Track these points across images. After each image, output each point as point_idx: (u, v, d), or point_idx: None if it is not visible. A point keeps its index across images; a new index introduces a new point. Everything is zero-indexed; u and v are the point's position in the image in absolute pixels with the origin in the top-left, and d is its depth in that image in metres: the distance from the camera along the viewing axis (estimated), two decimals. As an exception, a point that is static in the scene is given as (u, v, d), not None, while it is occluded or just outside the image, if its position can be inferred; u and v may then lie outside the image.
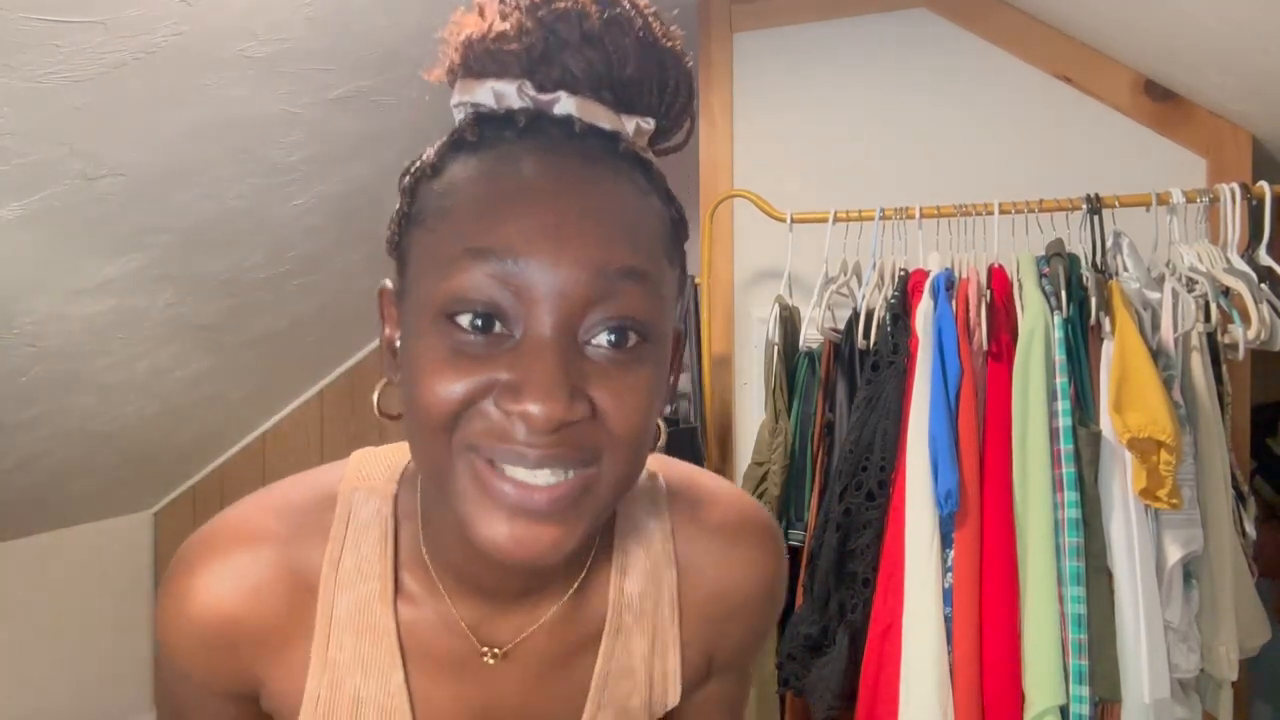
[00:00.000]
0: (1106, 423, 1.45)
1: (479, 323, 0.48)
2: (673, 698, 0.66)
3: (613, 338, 0.49)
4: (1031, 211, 1.65)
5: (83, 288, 1.84)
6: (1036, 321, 1.50)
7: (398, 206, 0.57)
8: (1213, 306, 1.53)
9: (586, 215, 0.48)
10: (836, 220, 1.76)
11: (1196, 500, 1.49)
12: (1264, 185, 1.58)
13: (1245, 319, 1.51)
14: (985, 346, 1.54)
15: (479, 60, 0.51)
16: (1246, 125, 1.84)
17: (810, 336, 1.77)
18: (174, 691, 0.62)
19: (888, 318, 1.62)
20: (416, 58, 1.75)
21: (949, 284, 1.60)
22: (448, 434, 0.49)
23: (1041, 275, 1.56)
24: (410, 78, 1.80)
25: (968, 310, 1.57)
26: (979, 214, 1.67)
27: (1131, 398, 1.40)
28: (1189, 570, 1.51)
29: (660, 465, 0.69)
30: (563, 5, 0.49)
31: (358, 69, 1.69)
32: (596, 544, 0.63)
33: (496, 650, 0.61)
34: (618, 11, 0.50)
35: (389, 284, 0.58)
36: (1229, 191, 1.58)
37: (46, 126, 1.42)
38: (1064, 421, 1.46)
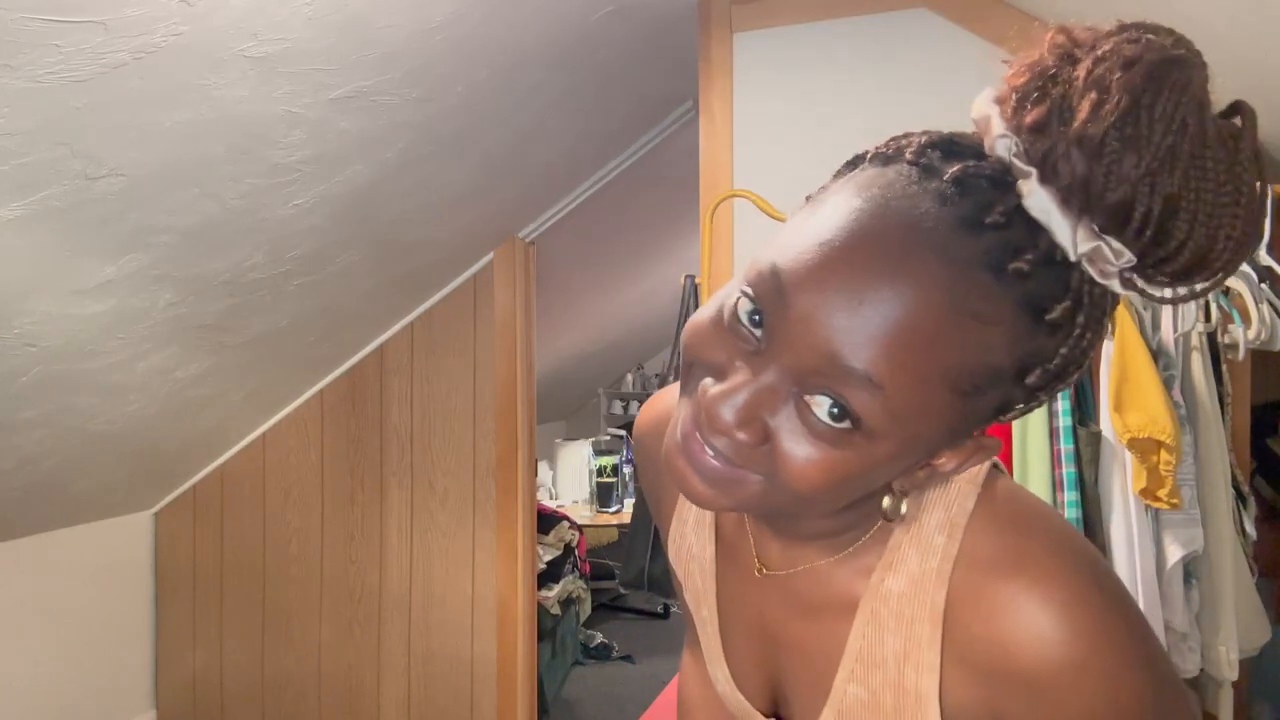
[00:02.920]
0: (1106, 423, 1.45)
1: (756, 317, 0.51)
2: None
3: (834, 410, 0.49)
4: (1031, 211, 1.64)
5: (83, 288, 1.84)
6: (1037, 321, 1.50)
7: None
8: (1213, 306, 1.54)
9: (869, 304, 0.46)
10: (836, 220, 1.75)
11: (1196, 500, 1.49)
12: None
13: (1245, 319, 1.51)
14: (985, 346, 1.54)
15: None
16: (1246, 125, 1.84)
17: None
18: None
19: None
20: (416, 58, 1.75)
21: (949, 284, 1.60)
22: (687, 371, 0.55)
23: (1042, 275, 1.56)
24: (410, 78, 1.80)
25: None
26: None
27: (1131, 398, 1.40)
28: (1189, 570, 1.51)
29: (1000, 491, 0.60)
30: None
31: (358, 69, 1.69)
32: (873, 530, 0.62)
33: (764, 569, 0.68)
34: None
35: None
36: (1229, 191, 1.58)
37: (46, 126, 1.42)
38: (1064, 421, 1.46)
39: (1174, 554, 1.45)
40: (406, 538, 3.00)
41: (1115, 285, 0.48)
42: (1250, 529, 1.60)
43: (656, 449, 0.77)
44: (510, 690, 2.92)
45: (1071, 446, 1.46)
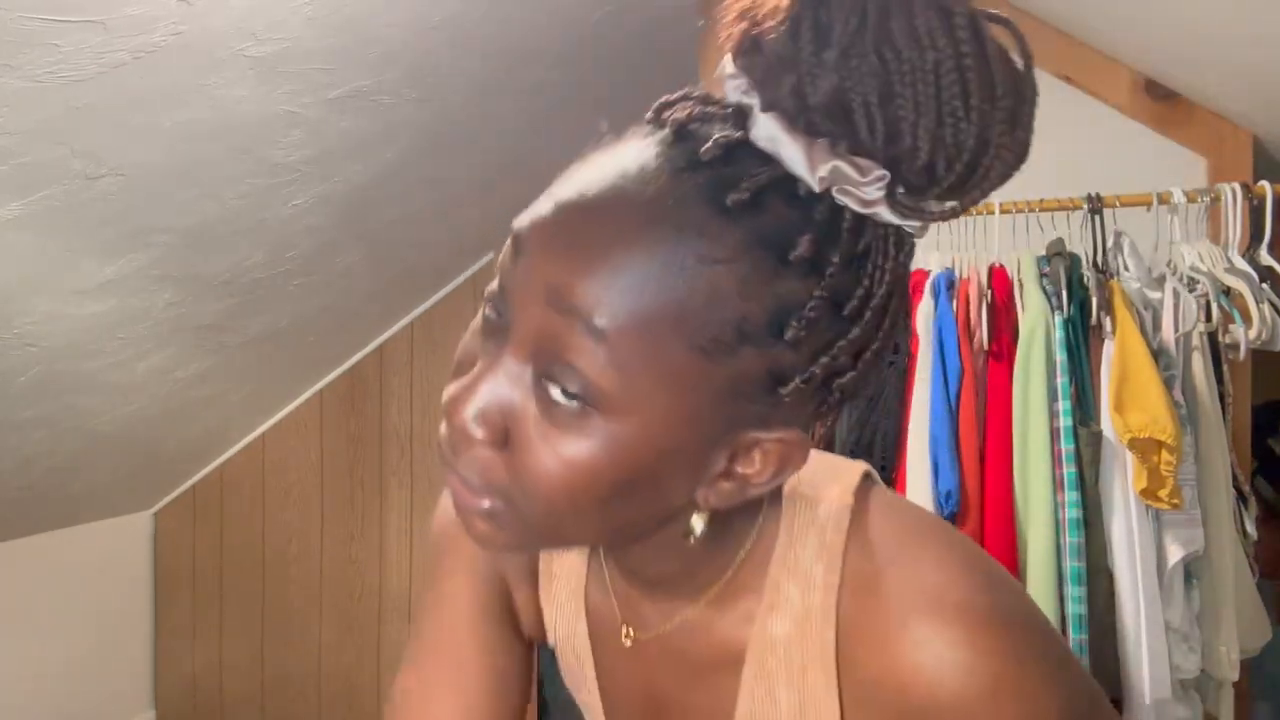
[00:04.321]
0: (1107, 423, 1.45)
1: (490, 313, 0.47)
2: None
3: (566, 389, 0.43)
4: (1032, 211, 1.64)
5: (83, 288, 1.84)
6: (1037, 321, 1.50)
7: None
8: (1214, 306, 1.53)
9: (580, 245, 0.43)
10: (837, 220, 1.76)
11: (1197, 500, 1.49)
12: (1265, 185, 1.58)
13: (1246, 319, 1.51)
14: (986, 346, 1.54)
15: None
16: (1247, 125, 1.84)
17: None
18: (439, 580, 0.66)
19: (888, 318, 1.62)
20: (417, 57, 1.75)
21: (949, 284, 1.60)
22: None
23: (1042, 275, 1.56)
24: (410, 78, 1.80)
25: (968, 310, 1.57)
26: (979, 214, 1.67)
27: (1132, 398, 1.40)
28: (1189, 570, 1.51)
29: (880, 509, 0.54)
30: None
31: (358, 69, 1.69)
32: (741, 561, 0.54)
33: (633, 633, 0.60)
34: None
35: None
36: (1230, 191, 1.58)
37: (46, 126, 1.42)
38: (1065, 421, 1.46)
39: (1175, 554, 1.44)
40: (406, 538, 3.00)
41: (884, 212, 0.43)
42: (1251, 529, 1.60)
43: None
44: (510, 690, 2.92)
45: (1072, 446, 1.46)
